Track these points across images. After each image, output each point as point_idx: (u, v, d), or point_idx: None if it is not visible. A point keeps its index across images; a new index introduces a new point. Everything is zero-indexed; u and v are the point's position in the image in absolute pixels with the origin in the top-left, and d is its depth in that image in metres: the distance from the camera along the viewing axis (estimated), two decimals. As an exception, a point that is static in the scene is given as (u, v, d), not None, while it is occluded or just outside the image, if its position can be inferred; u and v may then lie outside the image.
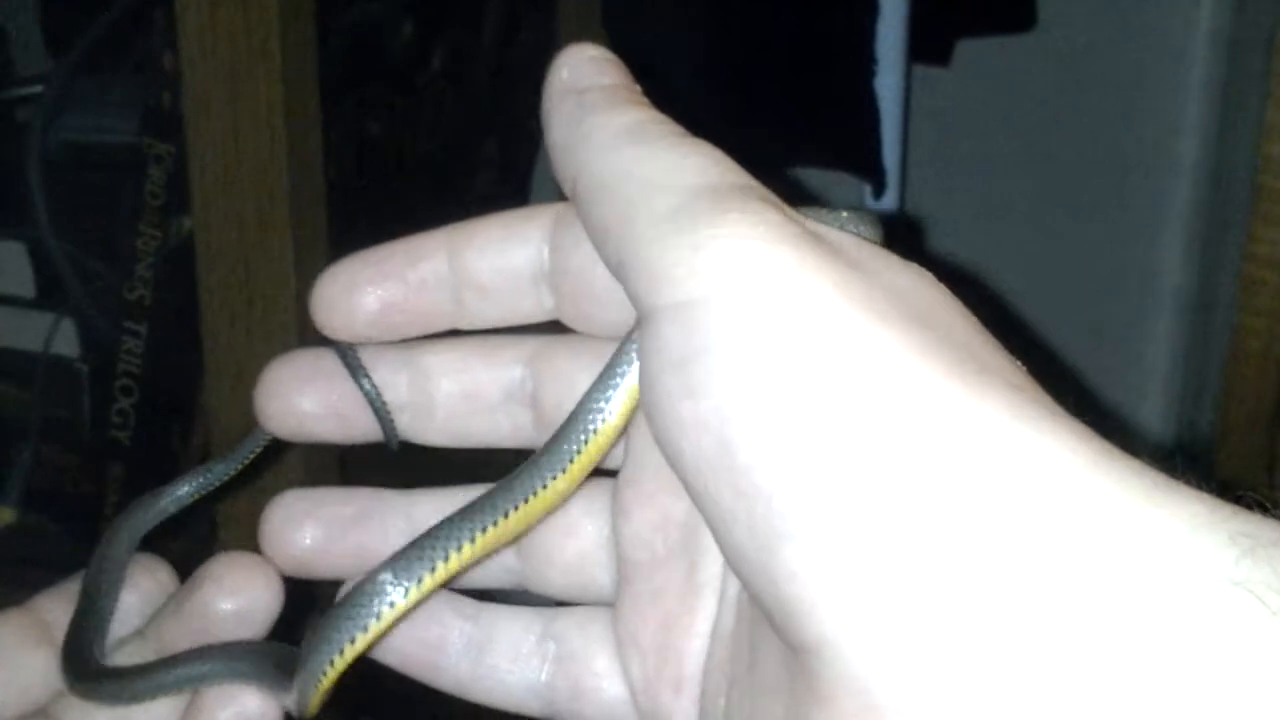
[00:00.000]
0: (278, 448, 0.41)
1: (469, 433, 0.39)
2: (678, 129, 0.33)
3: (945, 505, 0.25)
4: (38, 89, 1.02)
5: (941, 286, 0.31)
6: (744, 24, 1.21)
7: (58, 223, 0.97)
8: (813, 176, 1.29)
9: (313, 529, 0.38)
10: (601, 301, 0.36)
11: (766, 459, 0.27)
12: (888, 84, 1.17)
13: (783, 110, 1.24)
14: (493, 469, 0.37)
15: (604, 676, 0.37)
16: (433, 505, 0.38)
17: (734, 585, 0.34)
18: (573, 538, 0.38)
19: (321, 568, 0.39)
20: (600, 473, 0.37)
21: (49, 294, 1.01)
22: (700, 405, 0.28)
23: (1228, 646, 0.23)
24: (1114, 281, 1.47)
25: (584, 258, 0.35)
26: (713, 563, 0.35)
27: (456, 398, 0.38)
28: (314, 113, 0.82)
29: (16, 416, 1.03)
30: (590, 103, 0.33)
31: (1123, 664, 0.23)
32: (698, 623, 0.35)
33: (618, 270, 0.31)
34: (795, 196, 0.33)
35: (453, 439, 0.39)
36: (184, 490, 0.42)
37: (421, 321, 0.37)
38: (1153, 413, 1.48)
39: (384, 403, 0.38)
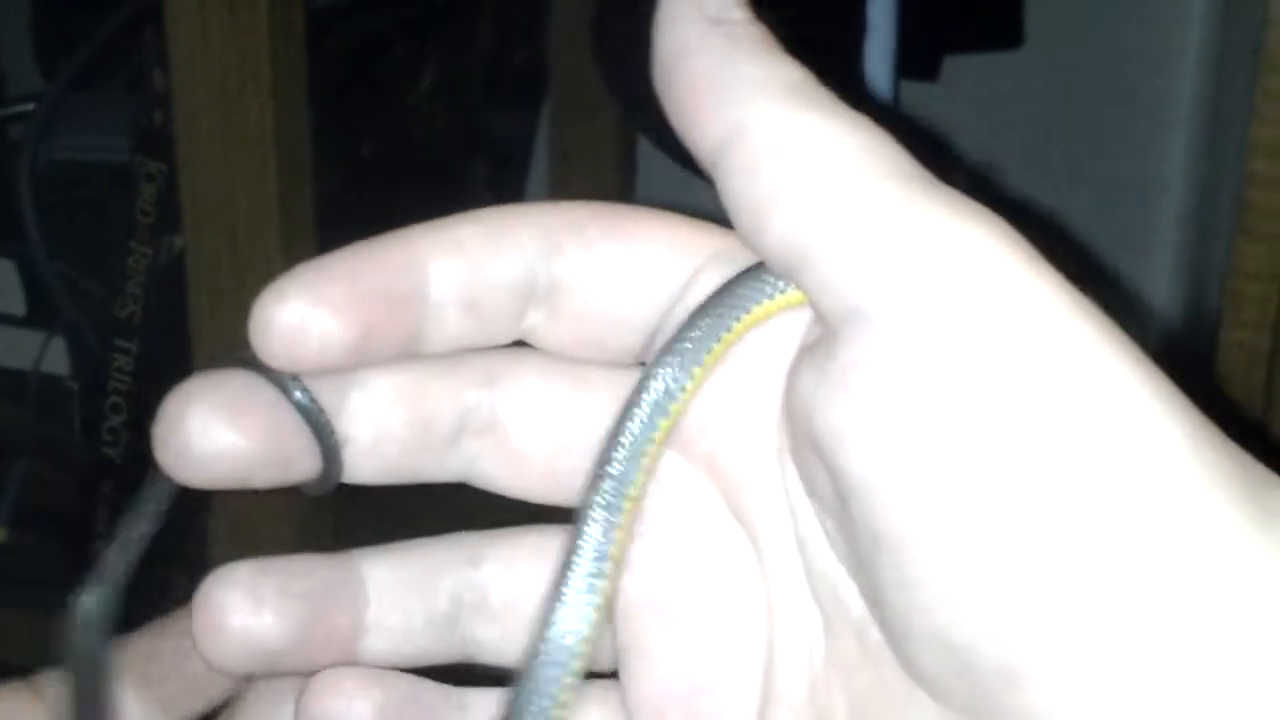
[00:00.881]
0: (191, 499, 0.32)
1: (417, 469, 0.32)
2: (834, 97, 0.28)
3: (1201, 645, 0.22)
4: (29, 107, 1.02)
5: None
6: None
7: (49, 241, 0.98)
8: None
9: (278, 614, 0.30)
10: (614, 323, 0.31)
11: (1012, 516, 0.23)
12: (875, 99, 1.17)
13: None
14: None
15: None
16: (388, 570, 0.32)
17: (791, 644, 0.29)
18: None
19: (284, 662, 0.31)
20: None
21: (40, 312, 1.01)
22: (943, 434, 0.24)
23: None
24: (1101, 295, 1.47)
25: (596, 270, 0.30)
26: (753, 619, 0.30)
27: (409, 429, 0.31)
28: (304, 131, 0.82)
29: (7, 434, 1.03)
30: (743, 41, 0.28)
31: None
32: None
33: (802, 253, 0.26)
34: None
35: (399, 476, 0.32)
36: (120, 569, 0.33)
37: (391, 345, 0.30)
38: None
39: (334, 437, 0.30)
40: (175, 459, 0.30)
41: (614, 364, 0.32)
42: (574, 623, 0.29)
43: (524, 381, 0.32)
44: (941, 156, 0.28)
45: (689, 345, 0.29)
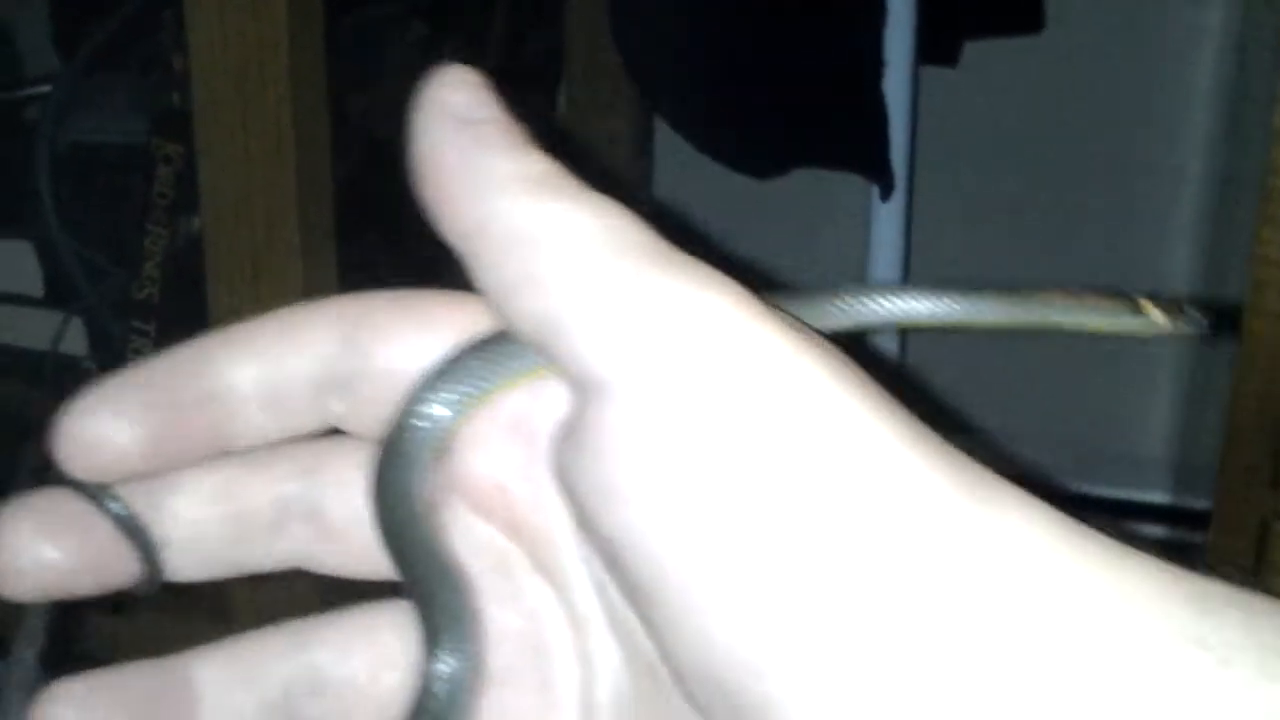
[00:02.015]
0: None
1: (240, 561, 0.34)
2: (583, 183, 0.30)
3: (930, 605, 0.25)
4: (47, 89, 1.02)
5: None
6: (751, 26, 1.21)
7: (66, 222, 0.98)
8: (821, 178, 1.29)
9: None
10: None
11: (762, 551, 0.26)
12: (896, 85, 1.17)
13: (791, 112, 1.24)
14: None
15: None
16: (217, 668, 0.33)
17: (605, 691, 0.31)
18: (391, 669, 0.33)
19: None
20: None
21: (57, 293, 1.01)
22: (688, 491, 0.26)
23: (1187, 701, 0.24)
24: (1122, 283, 1.47)
25: (390, 357, 0.32)
26: (570, 674, 0.32)
27: (225, 524, 0.33)
28: (322, 113, 0.82)
29: (24, 415, 1.03)
30: (489, 140, 0.30)
31: None
32: None
33: (549, 332, 0.28)
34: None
35: (224, 569, 0.34)
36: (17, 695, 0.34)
37: (192, 448, 0.32)
38: (1159, 413, 1.48)
39: (148, 541, 0.32)
40: (2, 578, 0.32)
41: None
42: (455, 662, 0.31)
43: (339, 468, 0.33)
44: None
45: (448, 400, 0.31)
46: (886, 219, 1.21)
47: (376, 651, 0.33)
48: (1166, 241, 1.43)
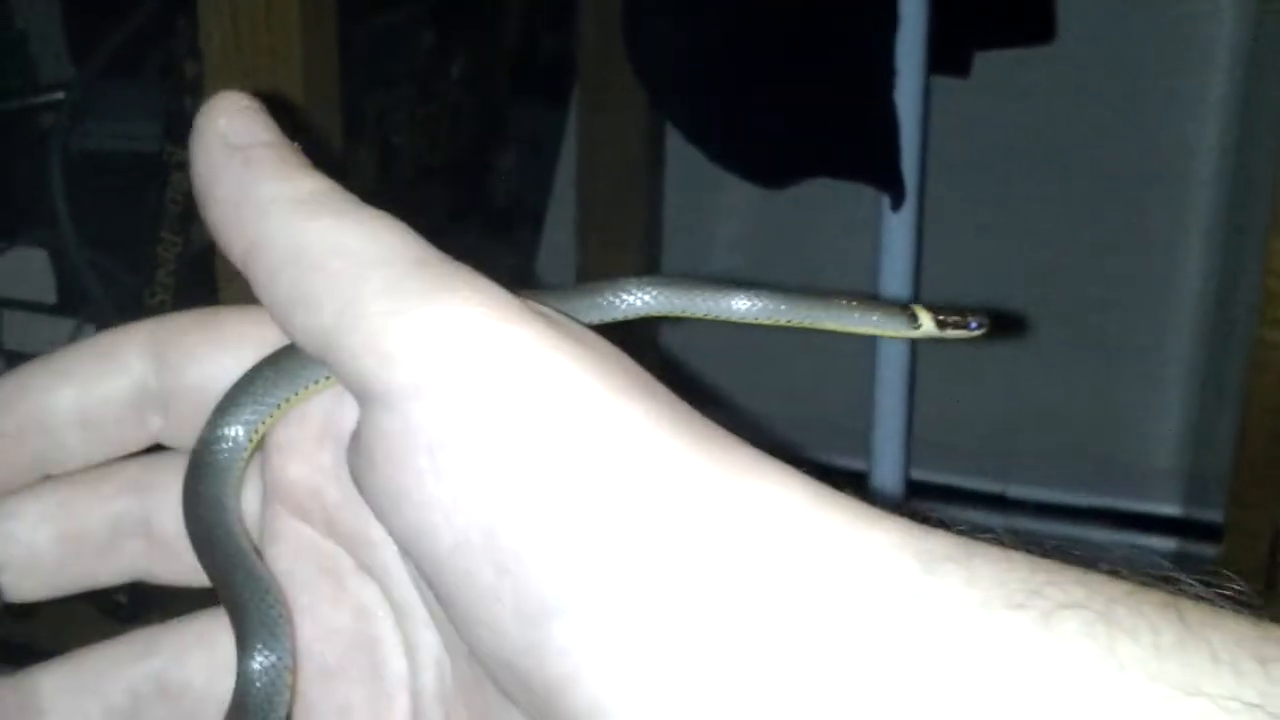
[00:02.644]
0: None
1: (79, 580, 0.36)
2: (356, 198, 0.32)
3: (689, 567, 0.27)
4: (60, 95, 1.03)
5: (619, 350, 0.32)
6: (764, 36, 1.22)
7: (79, 229, 0.98)
8: (832, 187, 1.29)
9: None
10: None
11: (532, 537, 0.27)
12: (907, 95, 1.17)
13: (802, 121, 1.24)
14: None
15: None
16: (62, 679, 0.36)
17: (430, 679, 0.33)
18: (229, 672, 0.34)
19: None
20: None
21: (70, 300, 1.01)
22: (458, 487, 0.28)
23: (906, 647, 0.25)
24: (1133, 293, 1.47)
25: (199, 374, 0.34)
26: (396, 664, 0.34)
27: (60, 543, 0.35)
28: (335, 121, 0.82)
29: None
30: (259, 163, 0.32)
31: (825, 675, 0.26)
32: None
33: (324, 346, 0.30)
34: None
35: (61, 589, 0.35)
36: None
37: (17, 473, 0.35)
38: (1170, 424, 1.48)
39: None
40: None
41: None
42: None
43: (166, 482, 0.35)
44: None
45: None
46: (897, 229, 1.21)
47: (212, 656, 0.35)
48: (1177, 251, 1.43)
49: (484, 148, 1.22)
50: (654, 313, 0.37)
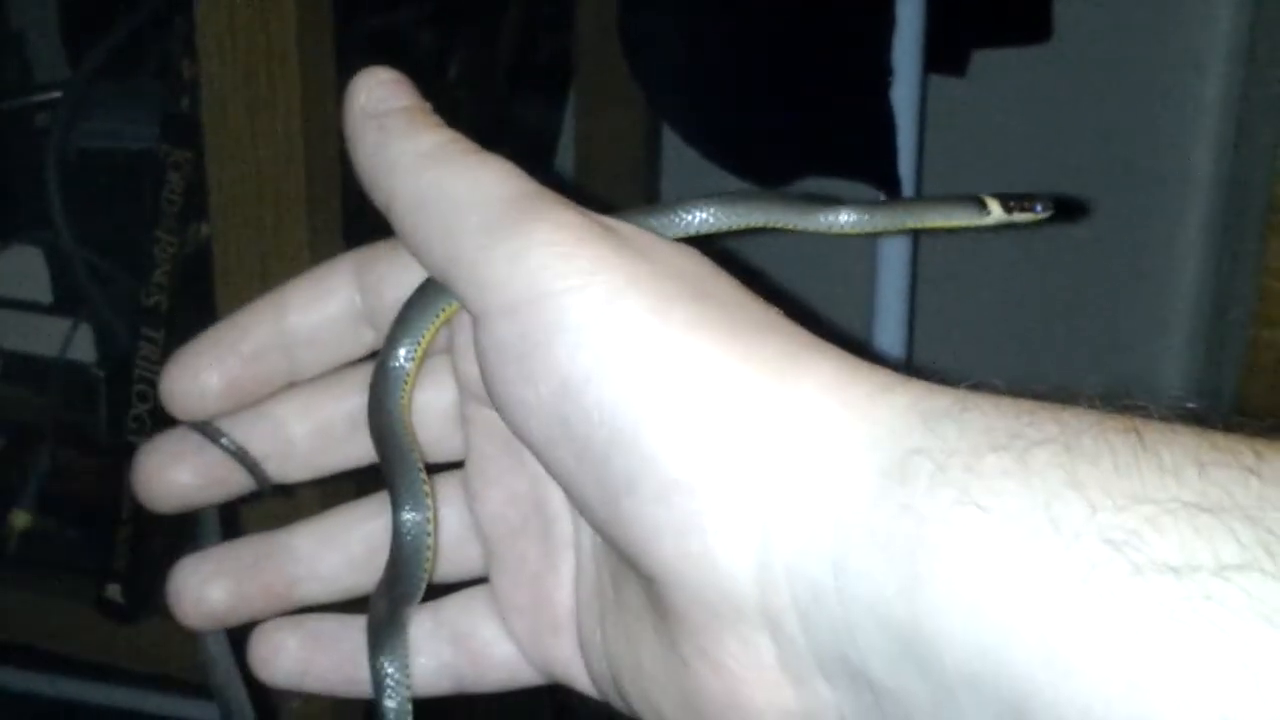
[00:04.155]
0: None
1: (328, 464, 0.44)
2: (472, 146, 0.38)
3: (723, 452, 0.32)
4: (56, 95, 1.03)
5: (709, 261, 0.37)
6: (760, 35, 1.21)
7: (75, 228, 0.98)
8: (828, 186, 1.29)
9: (222, 584, 0.43)
10: None
11: (598, 429, 0.33)
12: (903, 94, 1.17)
13: (798, 120, 1.24)
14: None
15: (493, 642, 0.42)
16: (317, 534, 0.44)
17: (587, 538, 0.40)
18: (440, 529, 0.42)
19: (238, 616, 0.44)
20: (448, 467, 0.43)
21: (66, 299, 1.01)
22: (540, 390, 0.34)
23: (906, 491, 0.30)
24: (1128, 293, 1.47)
25: (394, 294, 0.41)
26: (564, 524, 0.41)
27: (310, 436, 0.43)
28: (332, 120, 0.82)
29: (33, 421, 1.03)
30: (391, 127, 0.38)
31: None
32: (561, 575, 0.41)
33: (445, 280, 0.37)
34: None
35: (316, 472, 0.44)
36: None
37: (264, 384, 0.43)
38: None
39: (249, 457, 0.43)
40: (149, 496, 0.43)
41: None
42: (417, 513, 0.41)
43: None
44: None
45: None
46: (894, 228, 1.21)
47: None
48: (1174, 251, 1.43)
49: (482, 146, 1.22)
50: (741, 226, 0.43)
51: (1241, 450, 0.28)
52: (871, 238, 0.44)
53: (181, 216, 0.90)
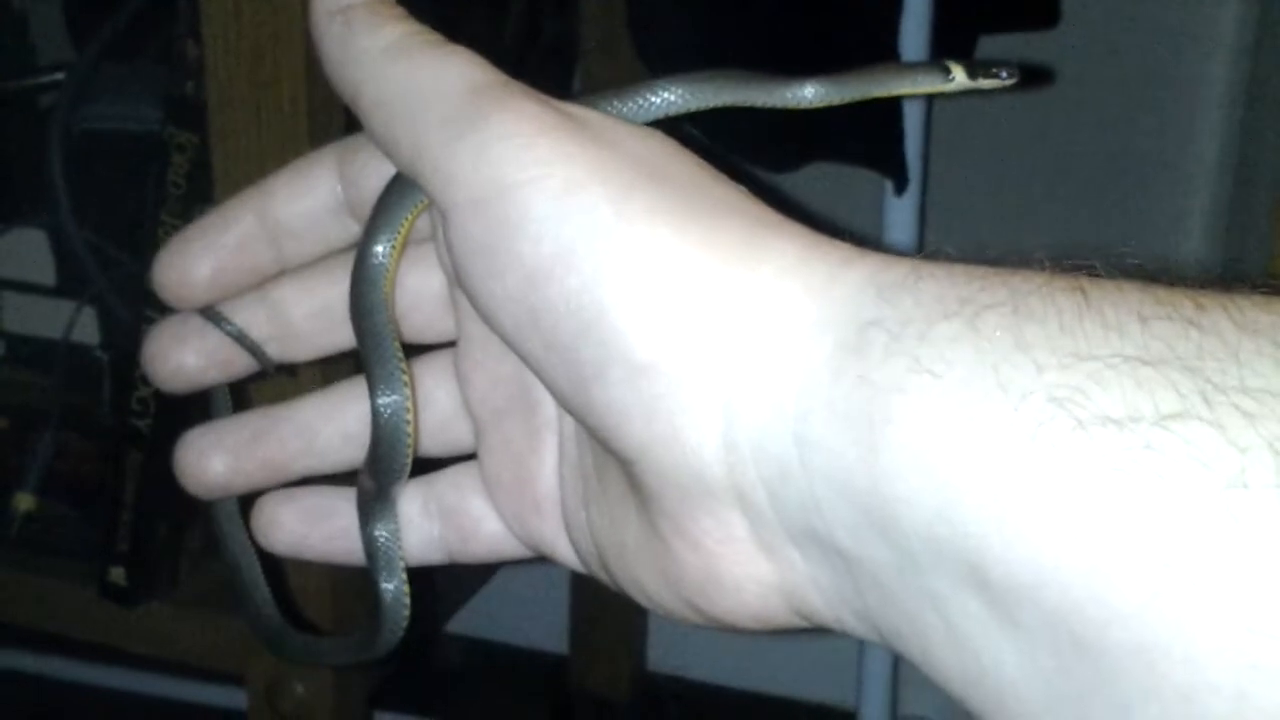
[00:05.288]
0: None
1: (327, 344, 0.45)
2: (437, 37, 0.38)
3: (685, 339, 0.33)
4: (60, 77, 1.02)
5: (672, 143, 0.37)
6: (766, 22, 1.21)
7: (79, 211, 0.98)
8: (835, 173, 1.29)
9: (221, 457, 0.44)
10: None
11: (565, 320, 0.34)
12: (910, 80, 1.17)
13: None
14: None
15: (481, 518, 0.44)
16: (314, 409, 0.45)
17: (569, 423, 0.41)
18: (431, 407, 0.44)
19: (237, 487, 0.45)
20: (441, 347, 0.44)
21: (70, 282, 1.01)
22: (506, 283, 0.35)
23: (858, 358, 0.31)
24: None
25: (375, 184, 0.41)
26: (548, 408, 0.41)
27: (309, 319, 0.44)
28: (336, 103, 0.81)
29: (37, 404, 1.03)
30: (355, 21, 0.38)
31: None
32: (544, 457, 0.41)
33: (413, 174, 0.37)
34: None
35: (318, 352, 0.45)
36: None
37: (252, 273, 0.43)
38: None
39: (251, 340, 0.44)
40: (158, 378, 0.44)
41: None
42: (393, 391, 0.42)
43: None
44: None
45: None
46: (900, 214, 1.21)
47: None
48: (1181, 238, 1.43)
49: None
50: (707, 105, 0.43)
51: (1183, 303, 0.29)
52: (842, 105, 0.46)
53: (185, 199, 0.90)
